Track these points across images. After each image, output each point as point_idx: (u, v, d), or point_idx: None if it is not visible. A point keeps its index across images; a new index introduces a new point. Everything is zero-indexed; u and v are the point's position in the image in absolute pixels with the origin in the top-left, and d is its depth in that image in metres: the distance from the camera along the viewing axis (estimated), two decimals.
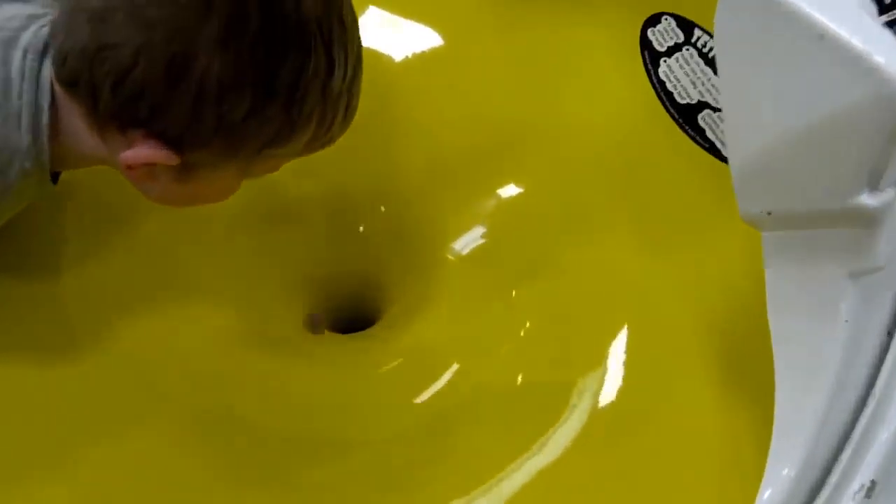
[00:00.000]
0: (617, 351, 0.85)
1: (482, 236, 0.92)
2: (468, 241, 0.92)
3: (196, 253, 0.91)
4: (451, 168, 0.94)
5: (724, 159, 0.86)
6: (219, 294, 0.90)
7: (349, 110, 0.74)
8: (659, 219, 0.88)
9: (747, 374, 0.80)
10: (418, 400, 0.86)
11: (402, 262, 0.95)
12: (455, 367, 0.87)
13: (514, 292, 0.89)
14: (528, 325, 0.87)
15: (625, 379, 0.84)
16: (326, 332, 0.94)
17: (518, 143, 0.93)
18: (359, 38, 0.74)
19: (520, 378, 0.85)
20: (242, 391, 0.86)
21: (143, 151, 0.69)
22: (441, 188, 0.94)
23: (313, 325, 0.94)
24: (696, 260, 0.86)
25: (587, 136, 0.92)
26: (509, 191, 0.93)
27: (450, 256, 0.92)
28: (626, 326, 0.85)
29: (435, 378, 0.86)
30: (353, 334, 0.94)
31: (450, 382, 0.86)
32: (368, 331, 0.94)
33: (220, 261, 0.92)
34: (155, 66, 0.66)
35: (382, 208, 0.96)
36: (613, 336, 0.85)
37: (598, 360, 0.84)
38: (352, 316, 0.97)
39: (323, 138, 0.74)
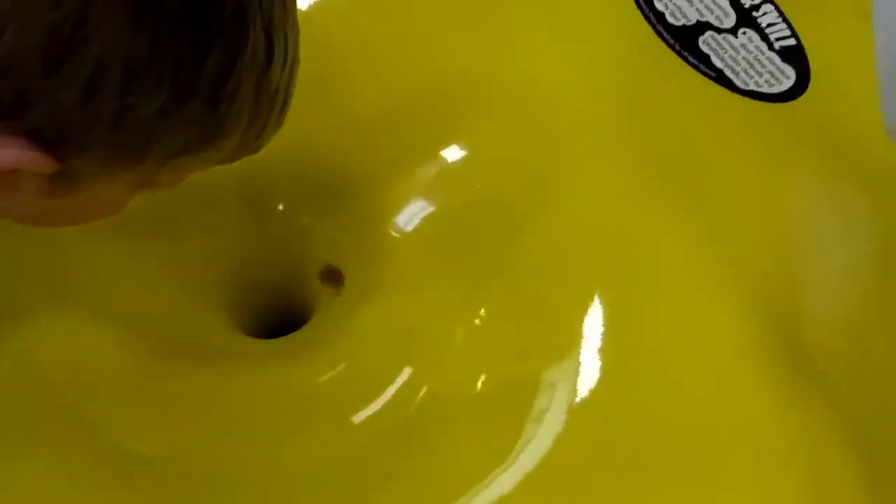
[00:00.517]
0: (592, 334, 0.69)
1: (428, 207, 0.76)
2: (413, 213, 0.76)
3: (84, 253, 0.75)
4: (385, 127, 0.78)
5: (739, 90, 0.71)
6: (111, 300, 0.74)
7: (284, 110, 0.59)
8: (656, 171, 0.72)
9: (769, 355, 0.65)
10: (362, 416, 0.70)
11: (334, 243, 0.79)
12: (407, 371, 0.71)
13: (469, 272, 0.73)
14: (483, 312, 0.72)
15: (604, 369, 0.68)
16: (248, 338, 0.77)
17: (468, 93, 0.77)
18: (297, 19, 0.59)
19: (482, 379, 0.70)
20: (147, 416, 0.70)
21: (5, 153, 0.52)
22: (374, 151, 0.78)
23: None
24: (706, 217, 0.70)
25: (549, 83, 0.76)
26: (454, 153, 0.77)
27: (393, 233, 0.76)
28: (604, 304, 0.70)
29: (382, 388, 0.71)
30: (282, 338, 0.77)
31: (400, 392, 0.70)
32: (300, 332, 0.77)
33: (113, 261, 0.75)
34: (29, 37, 0.49)
35: (304, 182, 0.80)
36: (589, 316, 0.70)
37: (570, 346, 0.69)
38: (280, 315, 0.81)
39: (251, 144, 0.59)
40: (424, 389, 0.71)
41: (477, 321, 0.72)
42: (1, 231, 0.70)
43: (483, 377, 0.70)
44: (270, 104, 0.57)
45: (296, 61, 0.59)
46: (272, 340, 0.77)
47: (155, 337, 0.74)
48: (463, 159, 0.76)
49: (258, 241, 0.80)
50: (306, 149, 0.78)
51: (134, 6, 0.50)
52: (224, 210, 0.79)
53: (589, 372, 0.68)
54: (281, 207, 0.81)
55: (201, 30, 0.52)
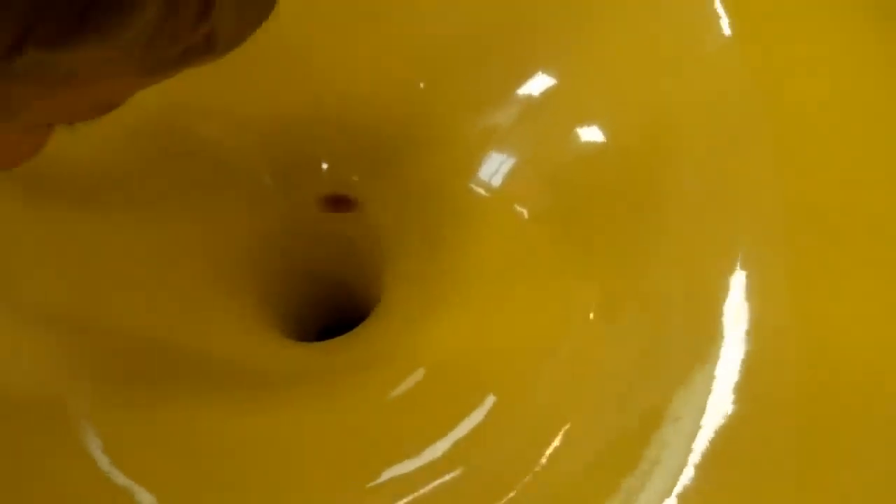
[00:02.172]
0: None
1: (516, 158, 0.57)
2: (498, 166, 0.56)
3: (98, 240, 0.57)
4: (451, 63, 0.58)
5: None
6: (132, 296, 0.56)
7: None
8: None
9: None
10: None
11: (398, 207, 0.60)
12: (491, 399, 0.52)
13: (578, 247, 0.54)
14: (593, 315, 0.52)
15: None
16: (289, 341, 0.59)
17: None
18: None
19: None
20: (166, 461, 0.52)
21: None
22: (441, 88, 0.58)
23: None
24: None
25: None
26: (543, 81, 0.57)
27: (478, 189, 0.56)
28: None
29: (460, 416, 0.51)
30: (336, 339, 0.59)
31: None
32: (357, 331, 0.58)
33: (130, 249, 0.57)
34: None
35: (353, 127, 0.60)
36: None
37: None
38: (331, 310, 0.62)
39: (188, 34, 0.35)
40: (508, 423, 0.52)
41: (587, 322, 0.52)
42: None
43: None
44: None
45: None
46: (320, 344, 0.59)
47: (167, 344, 0.56)
48: (554, 91, 0.56)
49: (301, 217, 0.62)
50: (355, 92, 0.59)
51: None
52: (258, 185, 0.61)
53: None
54: (325, 167, 0.62)
55: None
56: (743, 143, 0.52)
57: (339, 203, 0.61)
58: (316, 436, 0.53)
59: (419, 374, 0.54)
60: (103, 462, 0.52)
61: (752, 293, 0.49)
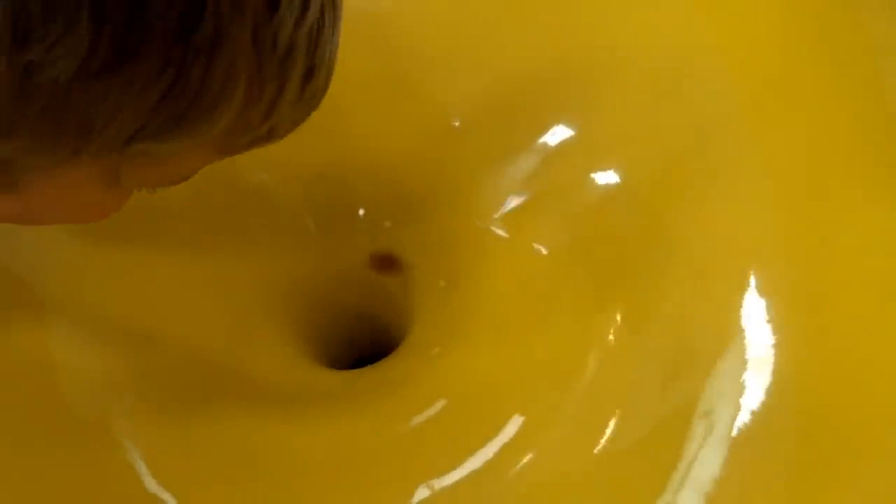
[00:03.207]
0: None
1: (533, 201, 0.61)
2: (518, 210, 0.61)
3: (155, 272, 0.62)
4: (480, 117, 0.63)
5: None
6: (150, 325, 0.61)
7: (312, 80, 0.42)
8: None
9: None
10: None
11: (426, 248, 0.65)
12: (518, 420, 0.56)
13: (596, 282, 0.58)
14: (612, 336, 0.56)
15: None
16: (324, 369, 0.63)
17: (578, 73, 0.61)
18: None
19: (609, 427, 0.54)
20: (204, 476, 0.56)
21: None
22: (468, 145, 0.63)
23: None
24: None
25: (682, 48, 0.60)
26: (560, 136, 0.62)
27: (499, 230, 0.61)
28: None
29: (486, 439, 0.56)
30: (364, 368, 0.63)
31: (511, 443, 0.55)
32: (384, 362, 0.63)
33: (156, 280, 0.62)
34: None
35: (387, 177, 0.65)
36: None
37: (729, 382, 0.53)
38: (364, 343, 0.67)
39: (260, 127, 0.42)
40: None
41: (608, 343, 0.56)
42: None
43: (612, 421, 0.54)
44: (282, 70, 0.41)
45: (329, 15, 0.42)
46: (353, 372, 0.64)
47: (208, 370, 0.60)
48: (572, 141, 0.61)
49: (338, 254, 0.66)
50: (388, 146, 0.64)
51: None
52: (298, 223, 0.66)
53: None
54: (362, 213, 0.67)
55: None
56: (744, 178, 0.56)
57: (385, 262, 0.66)
58: (345, 455, 0.57)
59: (440, 404, 0.59)
60: (147, 478, 0.56)
61: (765, 308, 0.53)
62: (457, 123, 0.64)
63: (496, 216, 0.62)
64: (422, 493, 0.55)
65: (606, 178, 0.59)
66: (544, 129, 0.61)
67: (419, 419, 0.58)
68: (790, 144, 0.57)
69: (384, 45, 0.64)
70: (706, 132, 0.58)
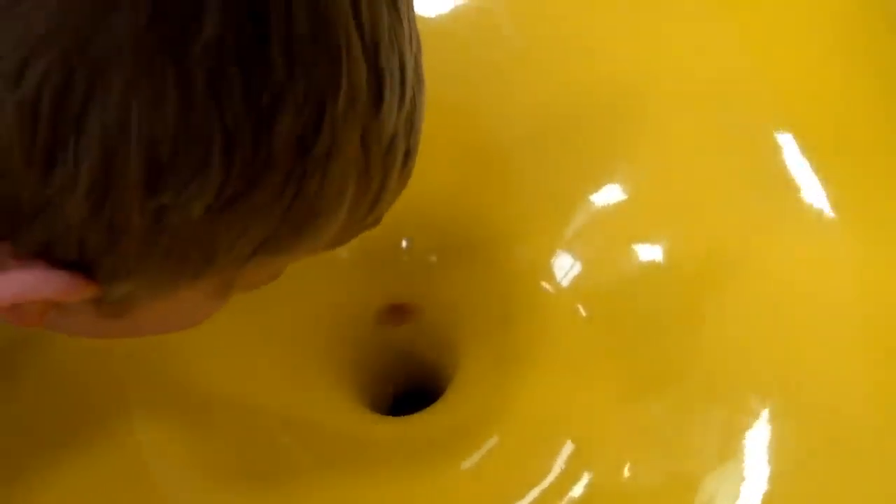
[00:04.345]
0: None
1: (580, 262, 0.62)
2: (567, 267, 0.62)
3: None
4: (529, 160, 0.63)
5: None
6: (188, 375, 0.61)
7: (408, 162, 0.43)
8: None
9: None
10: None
11: (472, 293, 0.65)
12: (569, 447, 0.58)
13: (632, 354, 0.59)
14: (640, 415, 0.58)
15: None
16: (371, 414, 0.65)
17: (634, 110, 0.62)
18: (416, 30, 0.43)
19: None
20: None
21: (19, 279, 0.38)
22: (518, 186, 0.64)
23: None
24: None
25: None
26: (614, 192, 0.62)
27: (547, 286, 0.62)
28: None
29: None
30: (412, 416, 0.64)
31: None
32: (434, 406, 0.64)
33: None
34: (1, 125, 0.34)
35: (433, 209, 0.66)
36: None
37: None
38: (408, 384, 0.68)
39: (367, 217, 0.43)
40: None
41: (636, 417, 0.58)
42: None
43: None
44: (387, 160, 0.41)
45: (419, 90, 0.42)
46: (398, 419, 0.65)
47: (251, 422, 0.61)
48: (620, 204, 0.62)
49: (380, 291, 0.67)
50: (433, 187, 0.64)
51: (147, 51, 0.34)
52: (339, 262, 0.65)
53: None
54: (404, 244, 0.67)
55: (260, 71, 0.35)
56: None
57: (396, 313, 0.67)
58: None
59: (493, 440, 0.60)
60: None
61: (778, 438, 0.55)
62: (504, 159, 0.64)
63: (543, 267, 0.63)
64: None
65: (652, 253, 0.60)
66: (594, 183, 0.62)
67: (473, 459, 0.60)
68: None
69: (431, 77, 0.64)
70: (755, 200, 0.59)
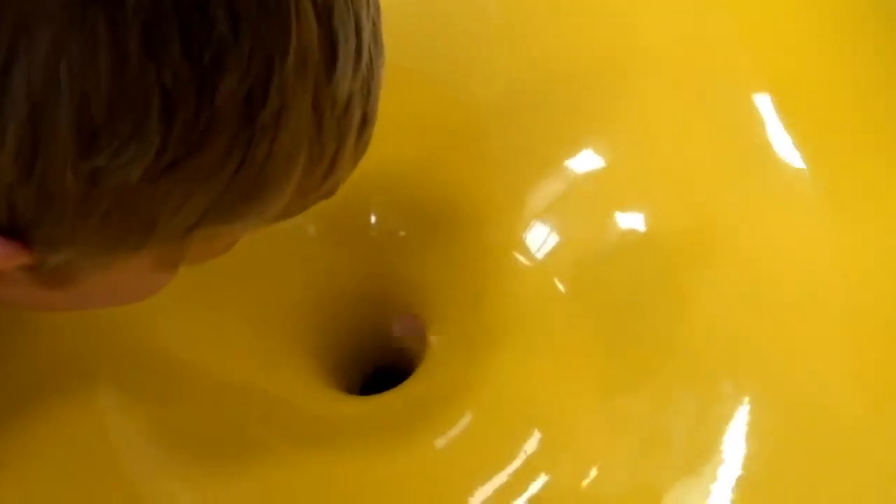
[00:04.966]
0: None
1: (557, 233, 0.60)
2: (542, 238, 0.59)
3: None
4: (499, 129, 0.61)
5: None
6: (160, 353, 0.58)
7: (365, 129, 0.41)
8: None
9: None
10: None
11: (442, 265, 0.63)
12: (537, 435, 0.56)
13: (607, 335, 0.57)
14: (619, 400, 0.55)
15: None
16: (340, 394, 0.62)
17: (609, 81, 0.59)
18: None
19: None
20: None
21: None
22: (493, 148, 0.61)
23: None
24: None
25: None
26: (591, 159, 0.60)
27: (521, 258, 0.59)
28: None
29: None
30: (382, 394, 0.62)
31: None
32: (402, 387, 0.61)
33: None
34: None
35: (401, 183, 0.63)
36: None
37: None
38: (377, 361, 0.65)
39: (321, 186, 0.41)
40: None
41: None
42: None
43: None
44: (342, 125, 0.39)
45: (377, 55, 0.40)
46: (369, 398, 0.62)
47: (219, 398, 0.58)
48: (599, 172, 0.59)
49: (349, 268, 0.64)
50: (404, 150, 0.61)
51: (76, 2, 0.31)
52: (305, 235, 0.63)
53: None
54: (374, 220, 0.64)
55: (200, 26, 0.33)
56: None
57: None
58: (374, 481, 0.56)
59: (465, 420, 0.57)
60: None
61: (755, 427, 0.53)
62: (477, 128, 0.62)
63: (517, 239, 0.60)
64: None
65: (633, 221, 0.58)
66: (571, 152, 0.60)
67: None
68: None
69: (403, 45, 0.62)
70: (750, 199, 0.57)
